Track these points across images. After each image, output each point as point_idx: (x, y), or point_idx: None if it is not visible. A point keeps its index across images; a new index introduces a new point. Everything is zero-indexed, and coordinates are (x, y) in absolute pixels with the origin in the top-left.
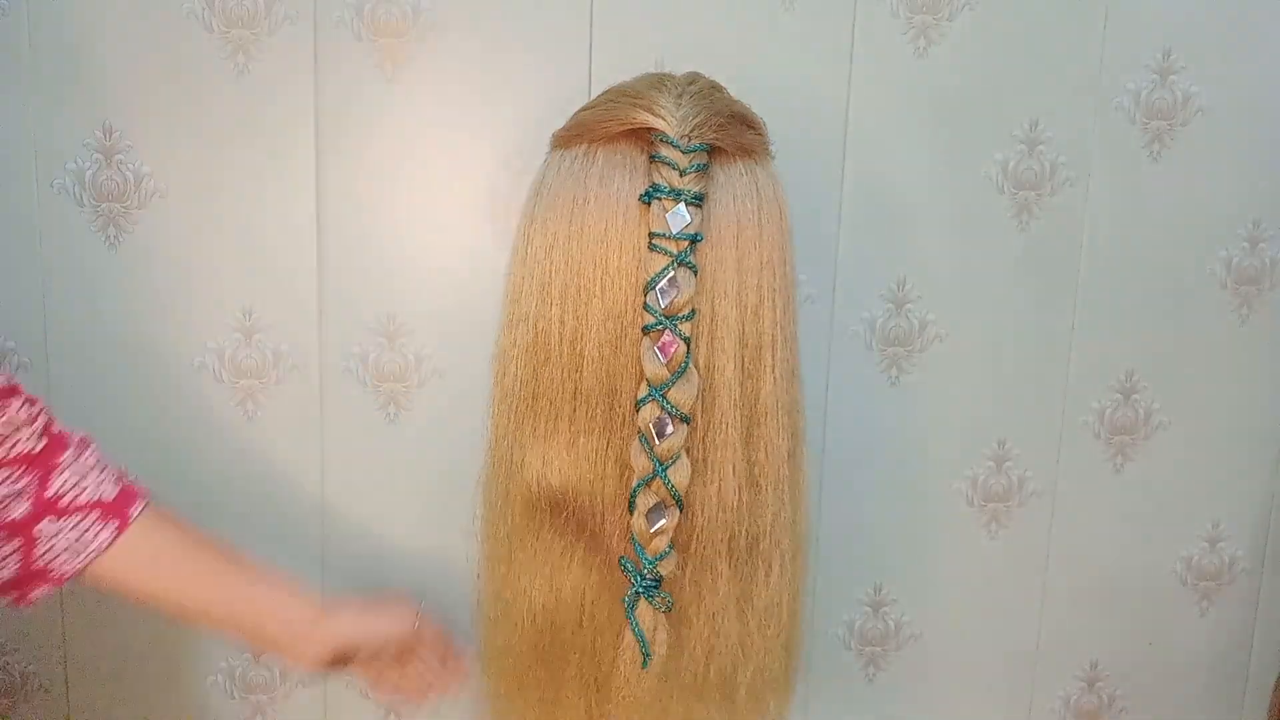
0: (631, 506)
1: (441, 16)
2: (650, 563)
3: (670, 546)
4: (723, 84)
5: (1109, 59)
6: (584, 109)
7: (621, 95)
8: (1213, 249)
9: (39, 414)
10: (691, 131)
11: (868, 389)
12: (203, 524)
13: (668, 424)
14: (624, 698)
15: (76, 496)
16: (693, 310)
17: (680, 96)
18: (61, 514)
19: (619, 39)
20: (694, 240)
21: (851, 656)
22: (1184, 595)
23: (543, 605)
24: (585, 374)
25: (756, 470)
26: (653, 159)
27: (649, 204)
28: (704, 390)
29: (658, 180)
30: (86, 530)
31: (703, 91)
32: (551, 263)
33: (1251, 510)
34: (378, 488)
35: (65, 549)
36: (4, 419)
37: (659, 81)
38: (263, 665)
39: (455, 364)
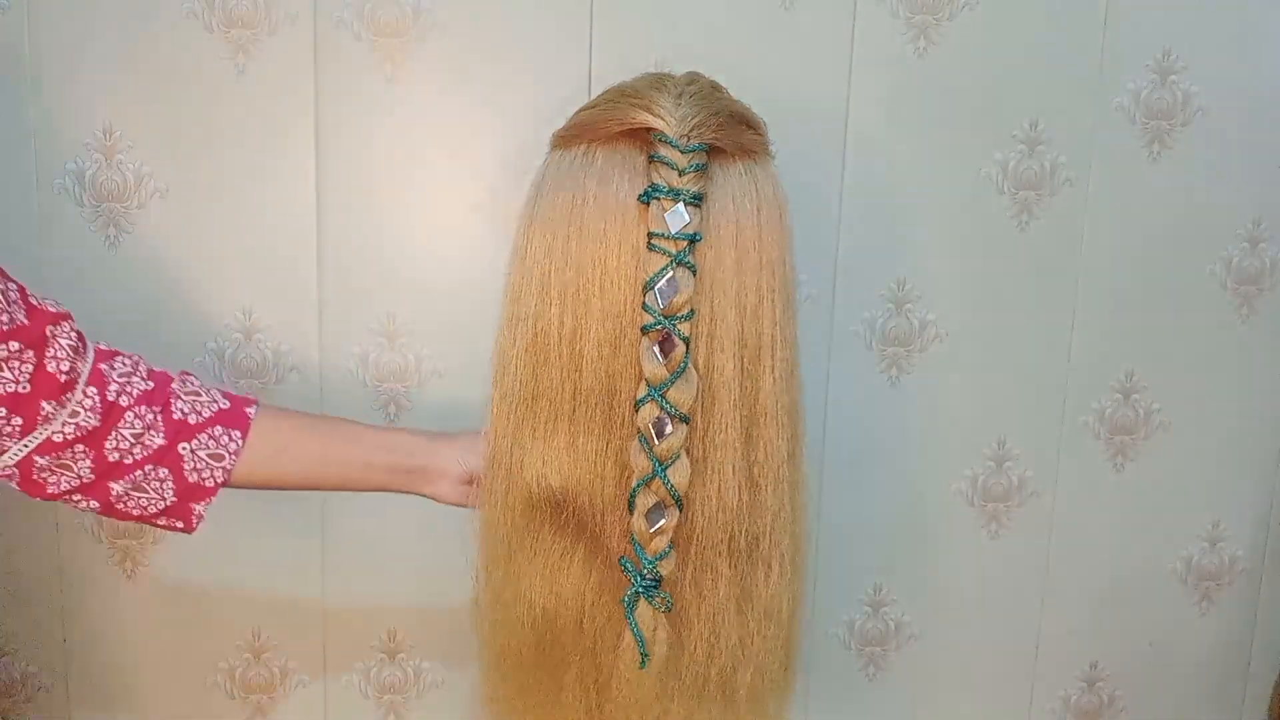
0: (631, 506)
1: (441, 16)
2: (650, 563)
3: (670, 546)
4: (723, 84)
5: (1109, 59)
6: (584, 109)
7: (621, 95)
8: (1213, 249)
9: (139, 361)
10: (690, 131)
11: (868, 389)
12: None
13: (667, 424)
14: (624, 698)
15: (199, 415)
16: (691, 310)
17: (680, 97)
18: (193, 433)
19: (619, 39)
20: (693, 240)
21: (851, 656)
22: (1184, 595)
23: (543, 607)
24: (585, 374)
25: (756, 470)
26: (652, 159)
27: (648, 204)
28: (703, 390)
29: (656, 180)
30: (218, 438)
31: (702, 92)
32: (551, 262)
33: (1251, 510)
34: None
35: (207, 459)
36: (117, 371)
37: (659, 81)
38: (263, 665)
39: (455, 364)
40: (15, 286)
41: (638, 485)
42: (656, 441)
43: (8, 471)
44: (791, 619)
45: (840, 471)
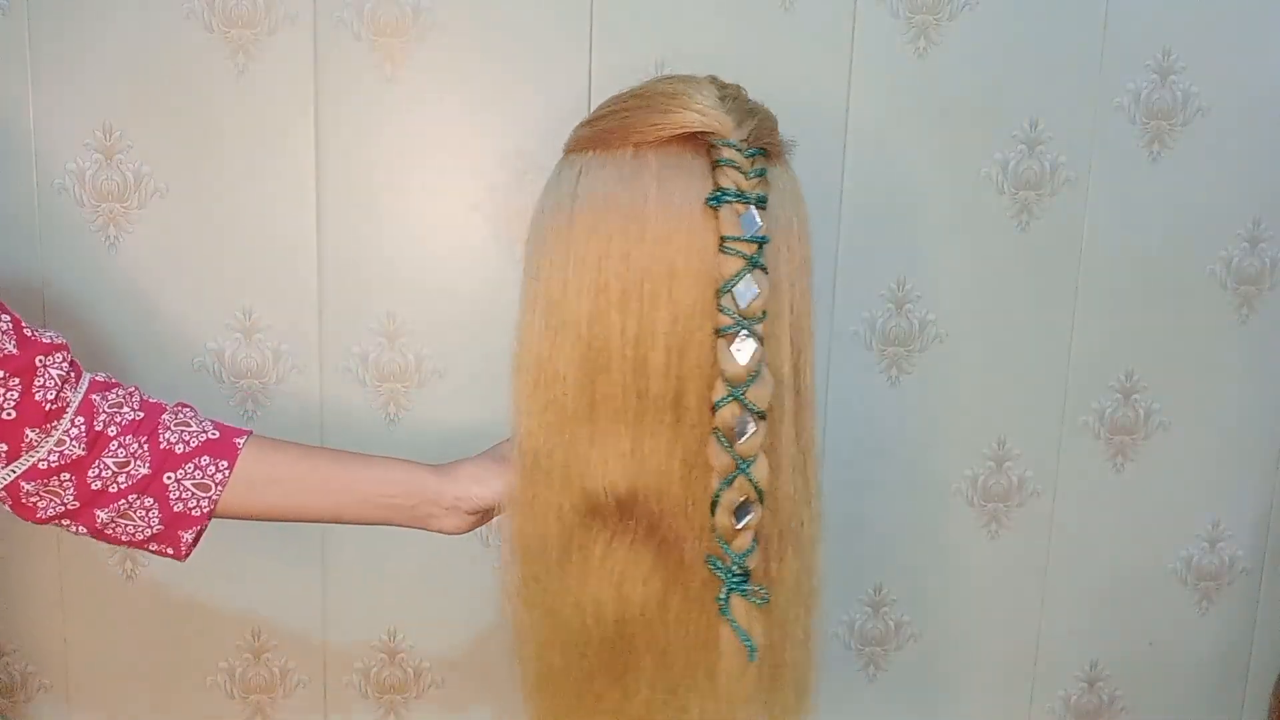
0: (714, 506)
1: (441, 16)
2: (739, 559)
3: (755, 542)
4: None
5: (1109, 59)
6: (615, 112)
7: (667, 98)
8: (1213, 249)
9: (133, 392)
10: (749, 135)
11: (868, 389)
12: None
13: (749, 422)
14: (728, 694)
15: (186, 445)
16: (764, 311)
17: (723, 100)
18: (179, 463)
19: (619, 39)
20: (763, 243)
21: (851, 656)
22: (1184, 595)
23: (612, 615)
24: (651, 377)
25: (803, 460)
26: (718, 164)
27: (717, 207)
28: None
29: (725, 184)
30: (204, 468)
31: (740, 96)
32: (606, 268)
33: (1251, 510)
34: None
35: (193, 489)
36: (109, 401)
37: (697, 85)
38: (263, 665)
39: (455, 364)
40: (9, 319)
41: (722, 485)
42: (739, 440)
43: None
44: (819, 603)
45: (840, 471)
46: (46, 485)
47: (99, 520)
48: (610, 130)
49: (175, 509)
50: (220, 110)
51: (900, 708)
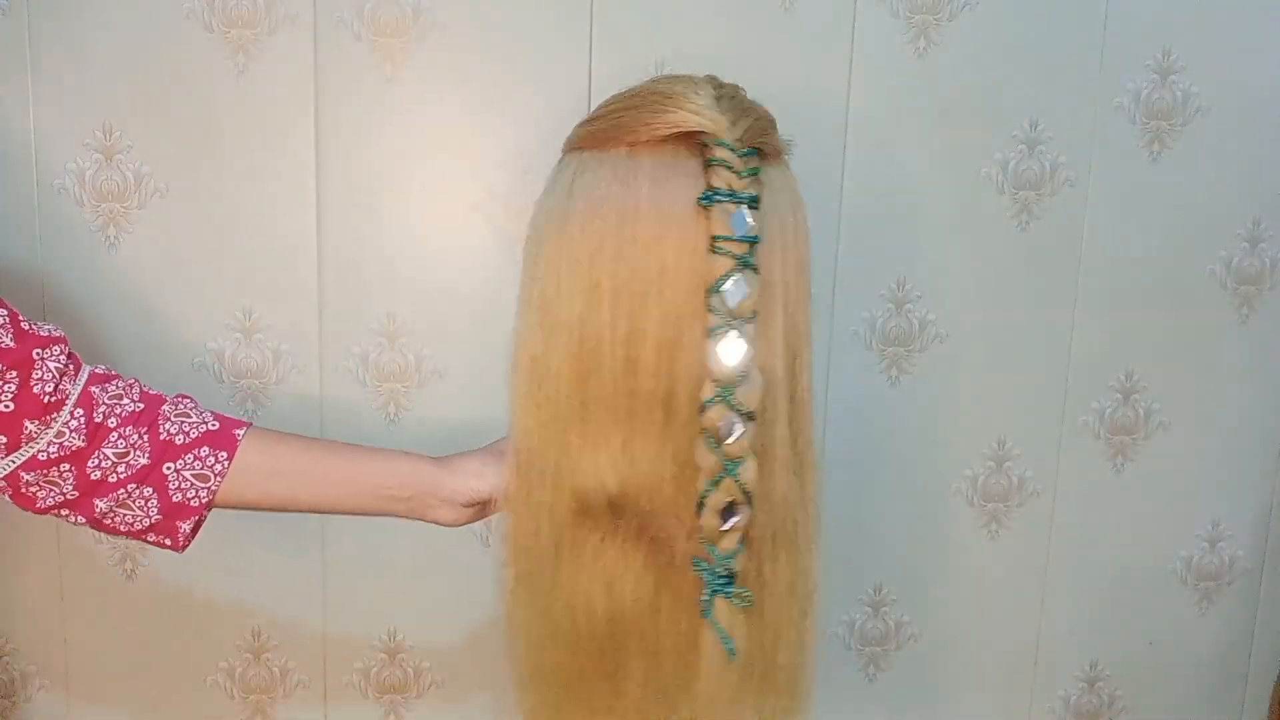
0: (701, 506)
1: (441, 16)
2: (724, 560)
3: (741, 543)
4: None
5: (1109, 59)
6: (612, 112)
7: (662, 97)
8: (1213, 249)
9: (134, 384)
10: (744, 135)
11: (868, 389)
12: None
13: (736, 423)
14: (709, 695)
15: (186, 436)
16: (755, 311)
17: (719, 100)
18: (178, 453)
19: (619, 40)
20: (754, 242)
21: (851, 656)
22: (1184, 595)
23: (603, 614)
24: (642, 377)
25: (799, 462)
26: (710, 163)
27: (708, 207)
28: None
29: (717, 184)
30: (204, 459)
31: (738, 95)
32: (598, 267)
33: (1251, 510)
34: None
35: (192, 480)
36: (108, 393)
37: (694, 85)
38: (263, 665)
39: (455, 364)
40: (6, 312)
41: (709, 485)
42: (727, 441)
43: None
44: (816, 605)
45: (840, 471)
46: (46, 475)
47: (98, 509)
48: (606, 130)
49: (174, 499)
50: (220, 110)
51: (900, 708)
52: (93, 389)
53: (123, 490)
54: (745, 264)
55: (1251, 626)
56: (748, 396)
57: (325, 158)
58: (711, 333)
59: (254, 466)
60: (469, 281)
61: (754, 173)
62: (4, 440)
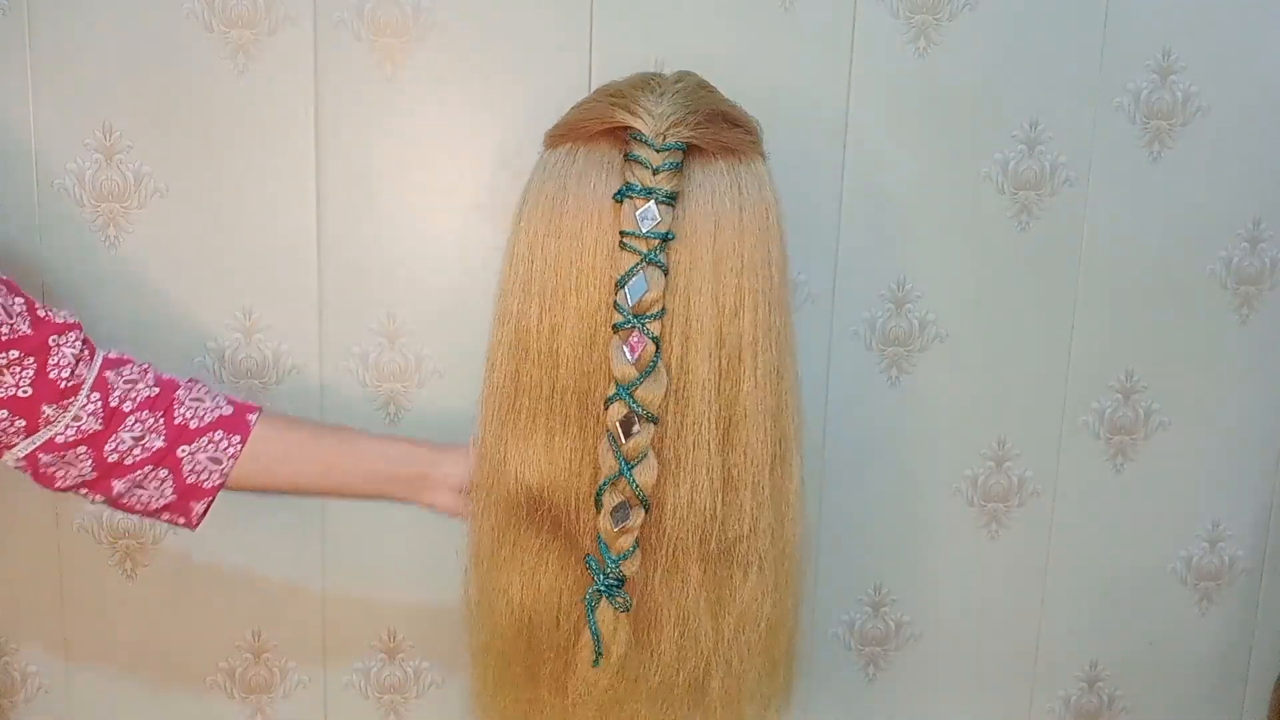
0: (598, 505)
1: (441, 16)
2: (614, 562)
3: (635, 546)
4: (717, 84)
5: (1109, 59)
6: (573, 108)
7: (606, 94)
8: (1213, 249)
9: (148, 369)
10: (667, 130)
11: (868, 389)
12: (204, 522)
13: (634, 423)
14: (580, 697)
15: (200, 420)
16: (662, 309)
17: (663, 95)
18: (193, 437)
19: (619, 39)
20: (664, 239)
21: (851, 656)
22: (1184, 595)
23: (521, 603)
24: (561, 372)
25: (735, 473)
26: (627, 157)
27: (622, 202)
28: (676, 390)
29: (630, 179)
30: (218, 443)
31: (687, 90)
32: (533, 261)
33: (1251, 510)
34: None
35: (206, 462)
36: (123, 378)
37: (645, 81)
38: (263, 665)
39: (455, 364)
40: (23, 300)
41: (604, 484)
42: (624, 440)
43: (19, 464)
44: (774, 628)
45: (840, 471)
46: (63, 457)
47: (115, 489)
48: (560, 127)
49: (188, 481)
50: (220, 110)
51: (900, 708)
52: (108, 374)
53: (139, 472)
54: (650, 260)
55: (1251, 626)
56: (650, 396)
57: (325, 158)
58: (614, 329)
59: (265, 451)
60: (470, 281)
61: (673, 167)
62: (23, 424)
